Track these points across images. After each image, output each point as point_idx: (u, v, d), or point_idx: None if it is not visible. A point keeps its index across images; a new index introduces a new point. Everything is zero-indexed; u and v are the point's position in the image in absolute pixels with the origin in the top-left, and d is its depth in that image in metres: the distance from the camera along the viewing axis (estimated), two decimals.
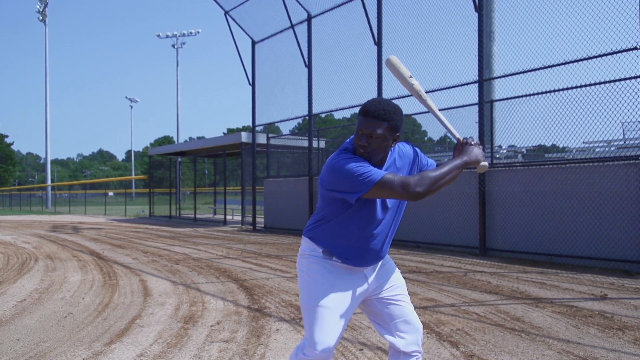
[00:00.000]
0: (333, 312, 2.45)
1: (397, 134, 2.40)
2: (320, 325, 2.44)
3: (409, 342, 2.55)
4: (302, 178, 14.81)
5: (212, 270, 8.13)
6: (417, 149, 2.63)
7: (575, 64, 8.42)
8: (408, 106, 12.03)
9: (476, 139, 2.51)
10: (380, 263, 2.59)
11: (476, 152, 2.43)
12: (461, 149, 2.46)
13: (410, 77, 2.60)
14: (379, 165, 2.43)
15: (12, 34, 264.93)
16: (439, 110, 2.57)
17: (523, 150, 11.66)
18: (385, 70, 12.12)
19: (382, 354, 3.93)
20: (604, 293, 6.07)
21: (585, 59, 8.23)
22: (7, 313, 5.46)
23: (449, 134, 2.57)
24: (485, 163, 2.44)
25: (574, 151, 9.75)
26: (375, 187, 2.28)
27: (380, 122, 2.33)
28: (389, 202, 2.48)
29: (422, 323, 4.75)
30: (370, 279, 2.55)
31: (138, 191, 59.43)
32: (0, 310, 5.60)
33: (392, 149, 2.51)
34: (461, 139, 2.51)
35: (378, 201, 2.44)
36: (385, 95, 12.10)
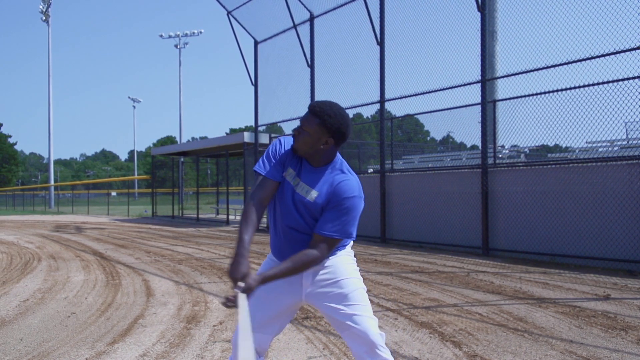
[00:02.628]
0: (257, 299, 2.51)
1: (330, 138, 2.40)
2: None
3: (359, 353, 2.47)
4: None
5: (214, 270, 8.14)
6: (348, 202, 2.40)
7: (578, 63, 8.40)
8: (411, 106, 12.04)
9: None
10: (323, 264, 2.52)
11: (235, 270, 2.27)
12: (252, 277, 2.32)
13: None
14: (315, 164, 2.47)
15: (15, 34, 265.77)
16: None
17: (526, 150, 11.66)
18: (388, 70, 12.13)
19: None
20: (607, 293, 6.05)
21: (588, 58, 8.21)
22: (11, 313, 5.47)
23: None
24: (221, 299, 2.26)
25: (576, 151, 9.73)
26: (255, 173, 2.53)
27: (313, 117, 2.40)
28: (292, 203, 2.47)
29: (425, 323, 4.75)
30: (306, 278, 2.53)
31: (141, 191, 59.51)
32: (4, 310, 5.62)
33: (345, 172, 2.47)
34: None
35: (286, 196, 2.48)
36: (388, 94, 12.10)
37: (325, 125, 2.39)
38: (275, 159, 2.50)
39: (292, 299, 2.56)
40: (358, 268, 2.65)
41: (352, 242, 2.66)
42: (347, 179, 2.46)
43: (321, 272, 2.52)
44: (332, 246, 2.42)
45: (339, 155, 2.55)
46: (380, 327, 2.61)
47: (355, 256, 2.70)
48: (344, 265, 2.55)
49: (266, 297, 2.54)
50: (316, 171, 2.48)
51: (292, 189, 2.48)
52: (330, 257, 2.53)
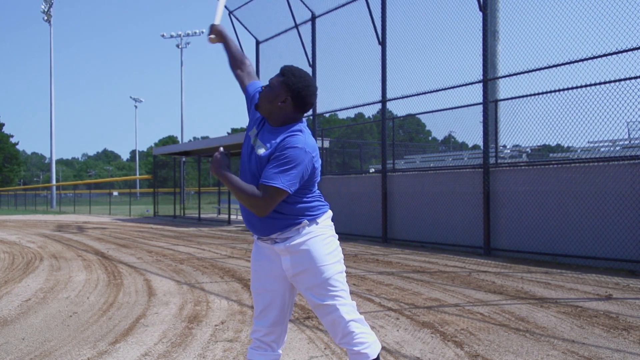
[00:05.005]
0: (262, 298, 2.64)
1: (289, 97, 2.51)
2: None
3: (335, 338, 2.58)
4: None
5: (216, 270, 8.14)
6: (289, 152, 2.41)
7: (580, 63, 8.38)
8: (412, 105, 12.04)
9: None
10: (297, 248, 2.52)
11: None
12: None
13: None
14: (273, 123, 2.57)
15: (16, 34, 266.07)
16: None
17: (527, 149, 11.64)
18: (390, 70, 12.12)
19: (386, 354, 3.93)
20: (609, 293, 6.05)
21: (590, 58, 8.20)
22: (13, 312, 5.48)
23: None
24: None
25: (578, 151, 9.72)
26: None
27: (279, 76, 2.57)
28: (249, 161, 2.58)
29: (427, 323, 4.75)
30: (284, 262, 2.56)
31: (142, 191, 59.51)
32: (6, 309, 5.63)
33: (301, 131, 2.51)
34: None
35: (246, 155, 2.62)
36: (390, 94, 12.08)
37: (287, 83, 2.52)
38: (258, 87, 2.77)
39: (284, 282, 2.62)
40: (338, 245, 2.64)
41: (329, 213, 2.65)
42: (296, 134, 2.49)
43: (297, 256, 2.53)
44: (272, 195, 2.39)
45: (303, 125, 2.57)
46: (373, 322, 2.61)
47: (335, 234, 2.67)
48: (319, 248, 2.54)
49: (268, 292, 2.62)
50: (273, 130, 2.55)
51: (252, 148, 2.58)
52: (304, 239, 2.52)
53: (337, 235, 2.67)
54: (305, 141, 2.46)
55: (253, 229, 2.62)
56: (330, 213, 2.67)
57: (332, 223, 2.67)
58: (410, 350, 4.04)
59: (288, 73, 2.54)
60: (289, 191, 2.40)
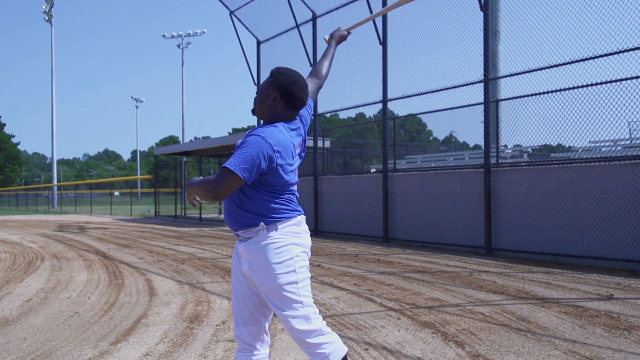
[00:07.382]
0: (234, 296, 2.66)
1: (278, 94, 2.55)
2: None
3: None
4: (307, 177, 14.82)
5: (217, 270, 8.15)
6: (247, 138, 2.42)
7: (581, 63, 8.38)
8: (413, 105, 12.05)
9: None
10: (252, 252, 2.49)
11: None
12: None
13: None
14: (265, 122, 2.60)
15: (18, 34, 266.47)
16: None
17: (529, 149, 11.64)
18: (391, 69, 12.12)
19: (387, 354, 3.93)
20: (610, 293, 6.04)
21: (591, 58, 8.19)
22: (14, 312, 5.49)
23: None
24: None
25: (579, 151, 9.71)
26: None
27: (269, 77, 2.63)
28: None
29: (428, 323, 4.75)
30: (244, 263, 2.55)
31: (143, 191, 59.64)
32: (7, 309, 5.63)
33: (275, 125, 2.49)
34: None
35: None
36: (391, 94, 12.08)
37: (275, 81, 2.57)
38: None
39: (248, 283, 2.60)
40: (297, 254, 2.50)
41: (296, 219, 2.54)
42: (267, 127, 2.49)
43: (251, 260, 2.50)
44: (223, 175, 2.33)
45: (287, 124, 2.55)
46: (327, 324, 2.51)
47: (309, 232, 2.64)
48: (269, 256, 2.46)
49: (235, 290, 2.64)
50: (260, 126, 2.57)
51: None
52: (260, 244, 2.46)
53: (304, 244, 2.56)
54: (271, 133, 2.41)
55: (226, 221, 2.62)
56: (298, 219, 2.54)
57: (303, 230, 2.57)
58: (411, 350, 4.04)
59: (275, 73, 2.60)
60: (240, 175, 2.31)
